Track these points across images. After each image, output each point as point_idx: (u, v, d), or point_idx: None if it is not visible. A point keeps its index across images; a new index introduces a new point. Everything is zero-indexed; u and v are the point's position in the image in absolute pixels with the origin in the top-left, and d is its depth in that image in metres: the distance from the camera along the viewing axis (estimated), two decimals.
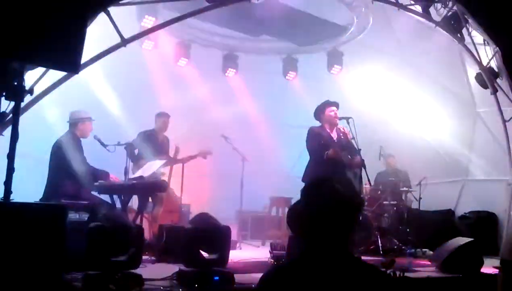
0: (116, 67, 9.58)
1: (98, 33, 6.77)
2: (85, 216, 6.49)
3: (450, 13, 9.32)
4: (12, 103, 5.15)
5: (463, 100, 11.29)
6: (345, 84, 12.96)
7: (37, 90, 6.61)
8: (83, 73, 6.46)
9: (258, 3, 9.98)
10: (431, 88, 11.77)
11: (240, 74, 13.02)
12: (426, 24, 9.64)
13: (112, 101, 11.05)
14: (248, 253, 9.51)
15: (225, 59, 12.88)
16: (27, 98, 5.71)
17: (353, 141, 7.90)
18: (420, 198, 10.20)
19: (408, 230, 10.24)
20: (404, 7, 9.27)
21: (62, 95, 7.47)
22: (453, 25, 9.37)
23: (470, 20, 9.25)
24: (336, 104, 8.10)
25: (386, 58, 11.88)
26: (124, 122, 11.15)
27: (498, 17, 8.92)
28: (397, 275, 5.86)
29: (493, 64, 9.54)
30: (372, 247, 9.44)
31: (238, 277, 5.98)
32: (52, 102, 7.57)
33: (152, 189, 8.41)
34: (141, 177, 8.19)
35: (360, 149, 7.88)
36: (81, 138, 8.07)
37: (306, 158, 8.28)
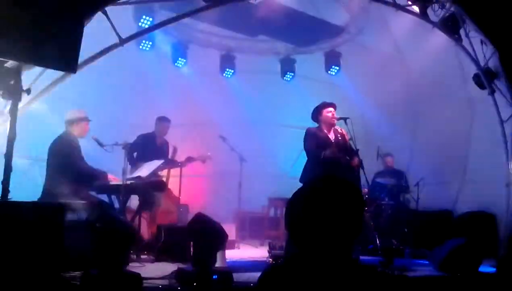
0: (114, 67, 9.59)
1: (95, 33, 6.76)
2: (83, 215, 6.49)
3: (447, 13, 9.30)
4: (10, 103, 5.15)
5: (460, 101, 11.28)
6: (342, 84, 12.99)
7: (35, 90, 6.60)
8: (80, 73, 6.45)
9: (255, 3, 10.00)
10: (429, 89, 11.76)
11: (238, 74, 13.01)
12: (423, 24, 9.64)
13: (110, 101, 11.04)
14: (247, 253, 9.53)
15: (222, 60, 12.87)
16: (25, 98, 5.72)
17: (351, 142, 7.89)
18: (418, 198, 10.20)
19: (406, 230, 10.24)
20: (402, 8, 9.27)
21: (60, 95, 7.48)
22: (451, 26, 9.35)
23: (467, 21, 9.25)
24: (333, 105, 8.09)
25: (383, 59, 11.87)
26: (121, 123, 11.16)
27: (496, 17, 8.92)
28: (395, 274, 5.87)
29: (491, 65, 9.54)
30: (370, 247, 9.44)
31: (236, 276, 5.98)
32: (49, 101, 7.55)
33: (150, 189, 8.40)
34: (139, 177, 8.18)
35: (358, 149, 7.87)
36: (78, 138, 8.05)
37: (304, 158, 8.28)
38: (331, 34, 12.21)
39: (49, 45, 5.12)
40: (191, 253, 6.50)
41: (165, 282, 5.81)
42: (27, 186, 7.44)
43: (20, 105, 5.57)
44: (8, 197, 4.85)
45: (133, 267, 6.63)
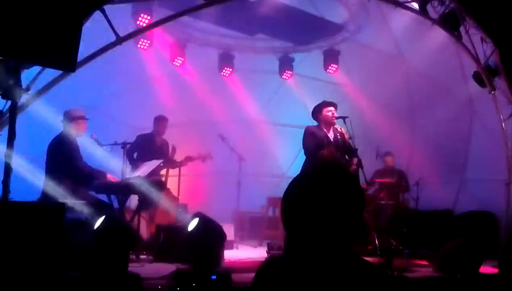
0: (113, 65, 9.55)
1: (93, 32, 6.73)
2: (82, 215, 6.46)
3: (447, 10, 9.29)
4: (9, 102, 5.12)
5: (460, 99, 11.26)
6: (341, 83, 12.98)
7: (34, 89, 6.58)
8: (78, 71, 6.41)
9: (253, 1, 9.97)
10: (428, 87, 11.74)
11: (236, 73, 12.98)
12: (423, 22, 9.61)
13: (109, 100, 11.01)
14: (245, 253, 9.49)
15: (221, 58, 12.84)
16: (24, 97, 5.68)
17: (350, 141, 7.86)
18: (417, 198, 10.17)
19: (405, 230, 10.21)
20: (401, 5, 9.25)
21: (59, 94, 7.44)
22: (450, 23, 9.33)
23: (467, 18, 9.23)
24: (333, 105, 8.04)
25: (382, 57, 11.84)
26: (120, 122, 11.13)
27: (496, 14, 8.89)
28: (395, 275, 5.84)
29: (491, 63, 9.51)
30: (369, 247, 9.41)
31: (235, 277, 5.95)
32: (48, 100, 7.51)
33: (149, 188, 8.36)
34: (138, 177, 8.14)
35: (357, 149, 7.84)
36: (76, 137, 8.01)
37: (303, 157, 8.25)
38: (330, 33, 12.18)
39: (48, 44, 5.09)
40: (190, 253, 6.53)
41: (164, 282, 5.78)
42: (26, 186, 7.42)
43: (19, 104, 5.54)
44: (9, 197, 4.82)
45: (132, 267, 6.58)
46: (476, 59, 9.56)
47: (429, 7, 9.25)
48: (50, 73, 6.86)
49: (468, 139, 11.68)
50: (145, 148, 9.38)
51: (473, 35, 9.46)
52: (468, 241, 7.57)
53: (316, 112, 8.02)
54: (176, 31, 11.76)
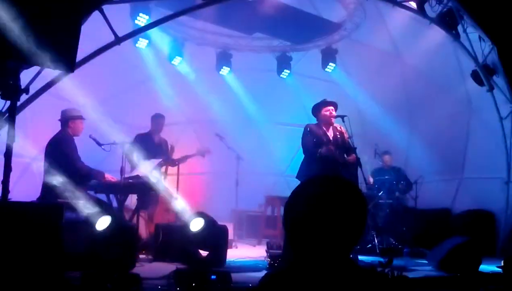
0: (111, 65, 9.54)
1: (92, 32, 6.72)
2: (81, 215, 6.45)
3: (445, 9, 9.29)
4: (8, 103, 5.11)
5: (458, 98, 11.26)
6: (339, 81, 12.98)
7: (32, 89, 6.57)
8: (76, 71, 6.40)
9: (251, 0, 9.95)
10: (426, 86, 11.74)
11: (234, 72, 12.97)
12: (420, 21, 9.62)
13: (107, 100, 10.98)
14: (244, 252, 9.50)
15: (219, 57, 12.82)
16: (23, 97, 5.68)
17: (350, 140, 7.86)
18: (416, 197, 10.18)
19: (404, 228, 10.23)
20: (399, 4, 9.25)
21: (57, 94, 7.44)
22: (448, 22, 9.34)
23: (465, 17, 9.23)
24: (333, 104, 8.02)
25: (380, 55, 11.84)
26: (119, 121, 11.10)
27: (494, 13, 8.90)
28: (395, 275, 5.84)
29: (489, 61, 9.52)
30: (368, 246, 9.42)
31: (235, 277, 5.94)
32: (46, 100, 7.51)
33: (148, 188, 8.34)
34: (137, 176, 8.13)
35: (356, 147, 7.84)
36: (74, 137, 7.99)
37: (301, 156, 8.26)
38: (328, 31, 12.16)
39: (47, 44, 5.07)
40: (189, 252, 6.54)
41: (164, 282, 5.78)
42: (25, 186, 7.42)
43: (19, 104, 5.53)
44: (8, 197, 4.81)
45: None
46: (474, 58, 9.57)
47: (426, 6, 9.25)
48: (49, 73, 6.86)
49: (467, 138, 11.66)
50: (144, 147, 9.35)
51: (471, 34, 9.47)
52: (468, 240, 7.58)
53: (315, 111, 8.01)
54: (174, 30, 11.75)
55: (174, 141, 9.98)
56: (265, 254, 8.01)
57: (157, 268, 6.81)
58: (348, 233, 2.11)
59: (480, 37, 9.40)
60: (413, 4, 9.30)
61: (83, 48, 6.42)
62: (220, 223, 7.98)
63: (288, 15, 10.95)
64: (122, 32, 7.66)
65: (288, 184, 12.35)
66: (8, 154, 4.78)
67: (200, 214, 7.43)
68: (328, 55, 12.65)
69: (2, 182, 4.76)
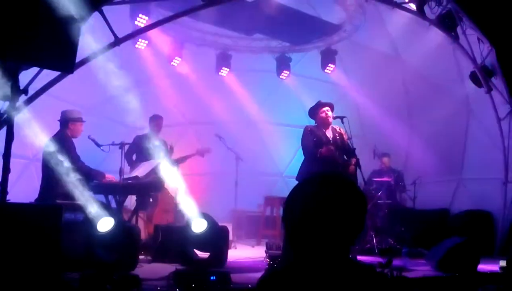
0: (110, 66, 9.53)
1: (91, 32, 6.73)
2: (80, 216, 6.45)
3: (444, 11, 9.31)
4: (7, 104, 5.11)
5: (457, 99, 11.27)
6: (338, 83, 12.98)
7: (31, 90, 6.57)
8: (76, 72, 6.41)
9: (251, 1, 9.96)
10: (425, 87, 11.75)
11: (234, 73, 12.97)
12: (419, 22, 9.63)
13: (106, 100, 10.97)
14: (244, 253, 9.51)
15: (218, 58, 12.83)
16: (22, 98, 5.68)
17: (349, 141, 7.87)
18: (415, 197, 10.20)
19: (403, 229, 10.24)
20: (399, 5, 9.27)
21: (56, 95, 7.45)
22: (447, 23, 9.37)
23: (464, 18, 9.26)
24: (329, 105, 8.02)
25: (379, 57, 11.85)
26: (118, 122, 11.10)
27: (493, 15, 8.93)
28: (395, 275, 5.86)
29: (488, 63, 9.55)
30: (367, 247, 9.43)
31: (234, 277, 5.95)
32: (45, 101, 7.50)
33: (147, 188, 8.35)
34: (136, 177, 8.13)
35: (355, 149, 7.85)
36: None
37: (300, 157, 8.27)
38: (327, 32, 12.16)
39: (46, 45, 5.09)
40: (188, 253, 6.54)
41: (164, 283, 5.78)
42: (23, 186, 7.41)
43: (17, 105, 5.54)
44: (6, 198, 4.81)
45: None
46: (472, 59, 9.59)
47: (426, 8, 9.27)
48: (48, 74, 6.87)
49: (465, 138, 11.69)
50: (142, 148, 9.36)
51: (470, 35, 9.50)
52: (466, 240, 7.59)
53: (312, 113, 8.03)
54: (174, 31, 11.74)
55: (173, 142, 9.99)
56: (264, 254, 8.03)
57: (157, 269, 6.81)
58: (347, 230, 2.12)
59: (479, 39, 9.44)
60: (413, 6, 9.31)
61: (83, 49, 6.44)
62: (219, 223, 7.99)
63: (287, 17, 10.95)
64: (122, 32, 7.67)
65: (287, 184, 12.38)
66: (6, 155, 4.79)
67: (203, 215, 7.43)
68: (328, 57, 12.65)
69: (1, 183, 4.76)
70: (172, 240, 7.76)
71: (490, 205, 10.66)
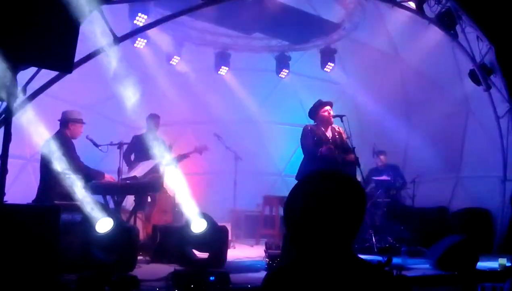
0: (109, 65, 9.52)
1: (90, 32, 6.72)
2: (78, 217, 6.43)
3: (443, 9, 9.32)
4: (5, 104, 5.10)
5: (456, 97, 11.27)
6: (338, 81, 12.97)
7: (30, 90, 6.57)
8: (75, 72, 6.39)
9: (250, 0, 9.95)
10: (424, 85, 11.75)
11: (233, 72, 12.96)
12: (419, 21, 9.62)
13: (104, 100, 10.97)
14: (243, 252, 9.49)
15: (217, 57, 12.81)
16: (20, 98, 5.66)
17: (348, 140, 7.86)
18: (414, 195, 10.19)
19: (402, 227, 10.23)
20: (398, 4, 9.25)
21: (54, 94, 7.42)
22: (447, 22, 9.37)
23: (463, 17, 9.26)
24: (330, 104, 8.05)
25: (379, 55, 11.84)
26: (116, 122, 11.10)
27: (492, 13, 8.92)
28: (394, 274, 5.84)
29: (487, 61, 9.54)
30: (366, 245, 9.42)
31: (233, 277, 5.93)
32: (44, 101, 7.48)
33: (145, 188, 8.33)
34: (134, 177, 8.12)
35: (354, 147, 7.85)
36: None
37: (299, 156, 8.26)
38: (326, 31, 12.15)
39: (45, 45, 5.07)
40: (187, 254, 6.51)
41: (162, 284, 5.77)
42: (21, 187, 7.39)
43: (15, 105, 5.52)
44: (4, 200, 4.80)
45: None
46: (472, 58, 9.59)
47: (425, 6, 9.27)
48: (46, 73, 6.85)
49: (464, 136, 11.69)
50: (141, 147, 9.34)
51: (469, 34, 9.49)
52: (466, 238, 7.59)
53: (313, 112, 8.03)
54: (173, 30, 11.72)
55: (172, 142, 9.98)
56: (263, 254, 8.01)
57: (155, 269, 6.78)
58: (348, 224, 2.15)
59: (478, 37, 9.44)
60: (412, 4, 9.30)
61: (81, 49, 6.43)
62: (218, 223, 7.97)
63: (287, 15, 10.94)
64: (121, 32, 7.65)
65: (286, 183, 12.36)
66: (4, 156, 4.77)
67: (203, 215, 7.42)
68: (327, 55, 12.64)
69: None
70: (170, 241, 7.73)
71: (489, 203, 10.68)
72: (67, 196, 6.76)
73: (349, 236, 2.16)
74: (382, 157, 11.37)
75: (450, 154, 11.87)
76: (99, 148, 8.00)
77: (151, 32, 10.73)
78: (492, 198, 10.55)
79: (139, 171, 8.34)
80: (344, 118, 7.83)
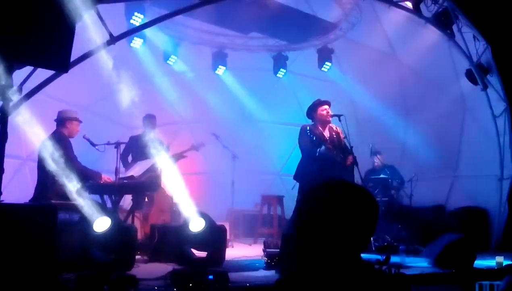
0: (105, 65, 9.51)
1: (86, 31, 6.71)
2: (75, 216, 6.42)
3: (440, 9, 9.32)
4: (0, 103, 5.08)
5: (453, 96, 11.27)
6: (335, 81, 12.97)
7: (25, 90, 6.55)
8: (71, 71, 6.38)
9: (247, 0, 9.94)
10: (421, 85, 11.75)
11: (230, 71, 12.96)
12: (415, 20, 9.62)
13: (101, 100, 10.95)
14: (241, 251, 9.49)
15: (214, 57, 12.81)
16: (16, 97, 5.65)
17: (345, 140, 7.87)
18: (411, 194, 10.20)
19: (399, 226, 10.24)
20: (395, 4, 9.26)
21: (51, 94, 7.41)
22: (443, 22, 9.38)
23: (460, 16, 9.27)
24: (328, 103, 8.07)
25: (376, 55, 11.84)
26: (113, 122, 11.08)
27: (488, 13, 8.94)
28: (393, 272, 5.85)
29: (483, 60, 9.56)
30: None
31: (232, 276, 5.92)
32: (40, 101, 7.47)
33: (143, 188, 8.33)
34: (132, 177, 8.11)
35: (352, 147, 7.86)
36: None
37: (297, 155, 8.25)
38: (324, 31, 12.15)
39: (41, 44, 5.06)
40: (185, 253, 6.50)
41: (161, 283, 5.75)
42: (17, 187, 7.37)
43: (11, 105, 5.50)
44: (0, 199, 4.78)
45: None
46: (468, 57, 9.60)
47: (422, 6, 9.27)
48: (42, 73, 6.84)
49: (461, 135, 11.70)
50: (138, 148, 9.33)
51: (466, 33, 9.50)
52: (463, 237, 7.61)
53: (311, 111, 8.03)
54: (170, 30, 11.71)
55: (169, 141, 9.97)
56: (261, 253, 8.00)
57: (153, 268, 6.77)
58: (361, 235, 2.18)
59: (474, 37, 9.45)
60: (409, 4, 9.31)
61: (77, 48, 6.41)
62: (216, 222, 7.97)
63: (284, 15, 10.92)
64: (117, 31, 7.64)
65: (284, 183, 12.35)
66: (0, 155, 4.75)
67: (201, 214, 7.42)
68: (324, 55, 12.64)
69: None
70: (169, 240, 7.73)
71: (486, 202, 10.70)
72: (64, 196, 6.74)
73: (360, 246, 2.19)
74: (378, 157, 11.38)
75: (447, 153, 11.88)
76: (96, 147, 8.00)
77: (147, 31, 10.71)
78: (489, 196, 10.58)
79: (137, 170, 8.34)
80: (342, 117, 7.85)
